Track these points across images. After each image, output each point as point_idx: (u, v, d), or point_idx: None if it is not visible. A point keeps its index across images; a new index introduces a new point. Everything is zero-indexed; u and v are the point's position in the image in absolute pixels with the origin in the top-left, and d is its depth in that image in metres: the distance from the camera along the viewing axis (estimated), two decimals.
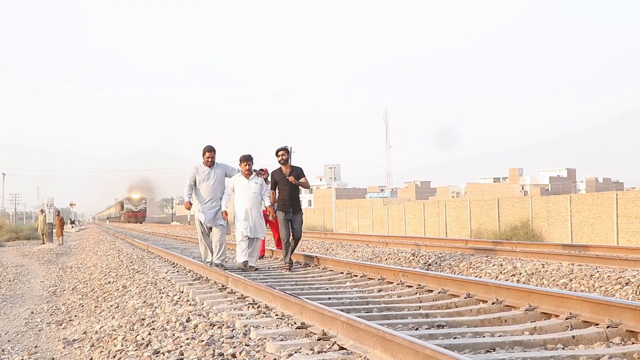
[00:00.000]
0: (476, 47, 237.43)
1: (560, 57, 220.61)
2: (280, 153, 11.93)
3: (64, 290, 15.78)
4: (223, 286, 9.21)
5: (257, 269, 11.74)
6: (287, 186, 11.89)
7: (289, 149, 12.14)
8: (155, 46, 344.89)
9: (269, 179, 12.39)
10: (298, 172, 12.04)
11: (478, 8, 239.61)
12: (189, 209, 12.25)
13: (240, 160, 11.94)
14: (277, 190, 11.95)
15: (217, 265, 11.60)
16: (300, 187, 12.17)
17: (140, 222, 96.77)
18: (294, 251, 12.40)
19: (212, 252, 12.02)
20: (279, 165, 11.96)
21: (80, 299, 13.02)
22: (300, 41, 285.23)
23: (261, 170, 12.79)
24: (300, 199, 12.29)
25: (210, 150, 12.02)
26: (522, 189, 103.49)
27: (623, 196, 27.26)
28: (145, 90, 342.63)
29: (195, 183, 11.99)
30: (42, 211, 41.92)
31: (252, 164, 11.97)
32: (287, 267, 11.82)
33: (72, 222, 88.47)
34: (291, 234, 12.04)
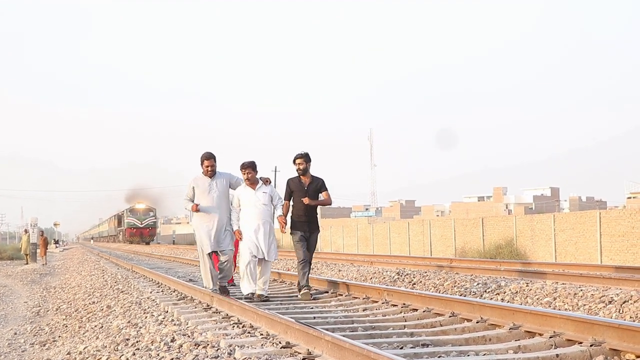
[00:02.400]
0: (461, 67, 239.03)
1: (547, 79, 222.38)
2: (297, 161, 10.17)
3: (48, 311, 15.67)
4: (208, 306, 9.19)
5: (267, 299, 10.04)
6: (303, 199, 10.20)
7: (309, 156, 10.24)
8: (147, 61, 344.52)
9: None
10: (319, 185, 10.28)
11: (463, 30, 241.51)
12: (196, 211, 10.22)
13: (240, 168, 10.14)
14: (291, 202, 10.31)
15: (220, 291, 10.05)
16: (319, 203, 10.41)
17: (147, 243, 73.66)
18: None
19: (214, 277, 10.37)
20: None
21: (64, 320, 12.93)
22: (287, 58, 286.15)
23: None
24: (317, 215, 10.61)
25: (209, 157, 10.27)
26: (506, 207, 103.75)
27: (606, 215, 27.43)
28: (133, 106, 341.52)
29: (194, 197, 10.29)
30: (25, 231, 41.66)
31: (256, 171, 10.15)
32: (308, 293, 10.14)
33: (56, 242, 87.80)
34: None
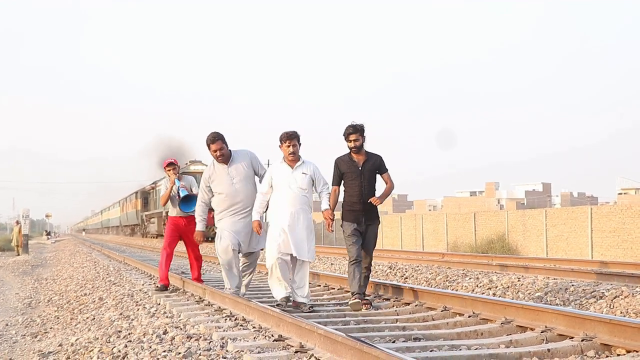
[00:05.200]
0: (456, 67, 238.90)
1: (541, 81, 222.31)
2: (352, 137, 7.94)
3: (39, 302, 15.63)
4: (200, 298, 9.18)
5: (312, 308, 8.03)
6: (357, 181, 8.04)
7: (364, 129, 8.02)
8: (144, 55, 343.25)
9: (178, 180, 9.75)
10: (377, 164, 8.14)
11: (461, 31, 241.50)
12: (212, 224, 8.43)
13: (281, 140, 7.92)
14: (342, 187, 8.23)
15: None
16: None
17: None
18: (368, 280, 8.44)
19: (238, 279, 8.85)
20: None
21: (55, 311, 12.90)
22: (286, 55, 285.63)
23: (170, 163, 10.03)
24: None
25: (214, 139, 8.27)
26: (498, 202, 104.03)
27: (597, 210, 27.56)
28: (129, 97, 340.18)
29: (211, 188, 8.56)
30: (17, 222, 41.62)
31: (300, 144, 7.99)
32: (367, 303, 8.06)
33: (48, 234, 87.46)
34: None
